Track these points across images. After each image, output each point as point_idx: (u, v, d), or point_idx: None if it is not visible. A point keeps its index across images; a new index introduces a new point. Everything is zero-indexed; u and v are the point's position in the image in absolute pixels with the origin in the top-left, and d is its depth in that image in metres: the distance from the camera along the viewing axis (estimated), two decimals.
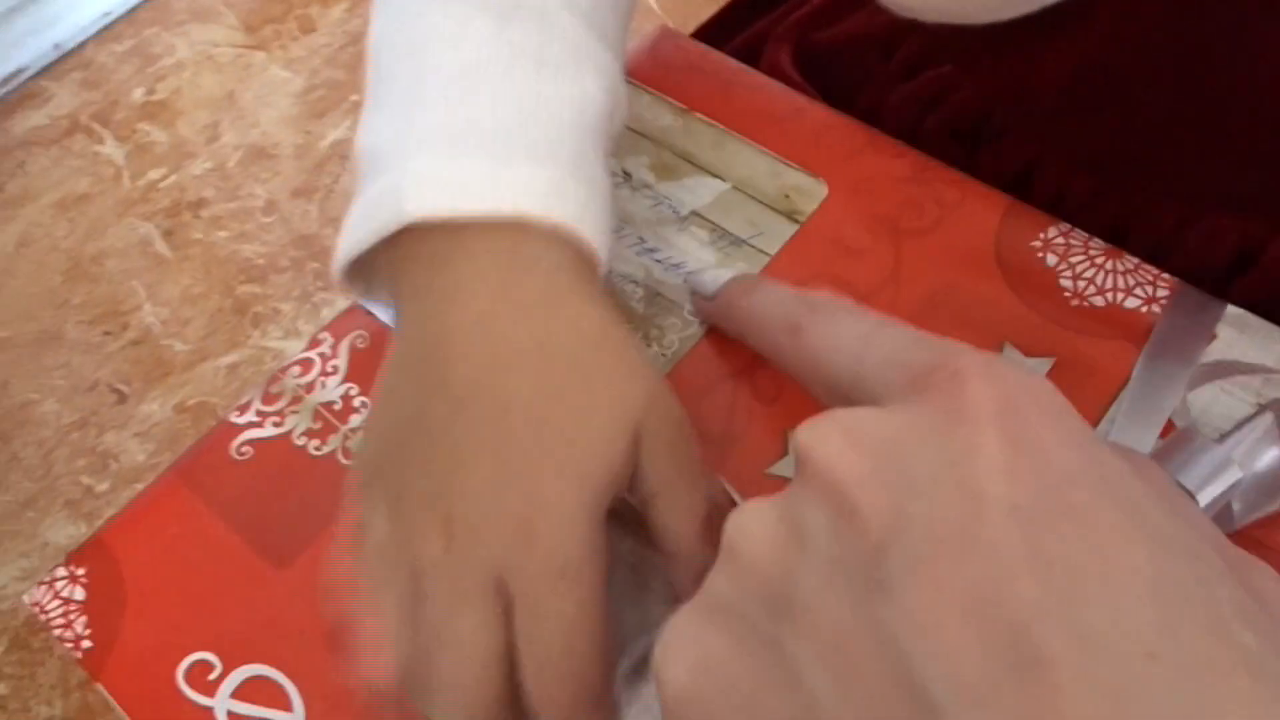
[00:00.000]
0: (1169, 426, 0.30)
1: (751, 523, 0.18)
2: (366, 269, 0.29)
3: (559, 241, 0.27)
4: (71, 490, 0.58)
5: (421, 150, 0.27)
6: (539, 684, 0.23)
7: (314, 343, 0.37)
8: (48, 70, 0.95)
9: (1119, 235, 0.37)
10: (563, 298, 0.26)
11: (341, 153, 0.80)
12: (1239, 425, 0.28)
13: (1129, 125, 0.34)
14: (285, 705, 0.29)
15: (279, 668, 0.30)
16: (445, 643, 0.23)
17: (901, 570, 0.15)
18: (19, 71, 0.93)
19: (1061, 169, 0.37)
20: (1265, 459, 0.27)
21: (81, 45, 0.97)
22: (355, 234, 0.27)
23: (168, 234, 0.83)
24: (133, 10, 0.98)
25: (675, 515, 0.25)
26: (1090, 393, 0.31)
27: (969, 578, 0.15)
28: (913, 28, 0.39)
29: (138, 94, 0.94)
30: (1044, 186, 0.38)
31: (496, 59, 0.28)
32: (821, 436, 0.18)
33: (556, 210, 0.26)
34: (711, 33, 0.49)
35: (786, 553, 0.17)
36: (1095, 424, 0.31)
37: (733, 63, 0.42)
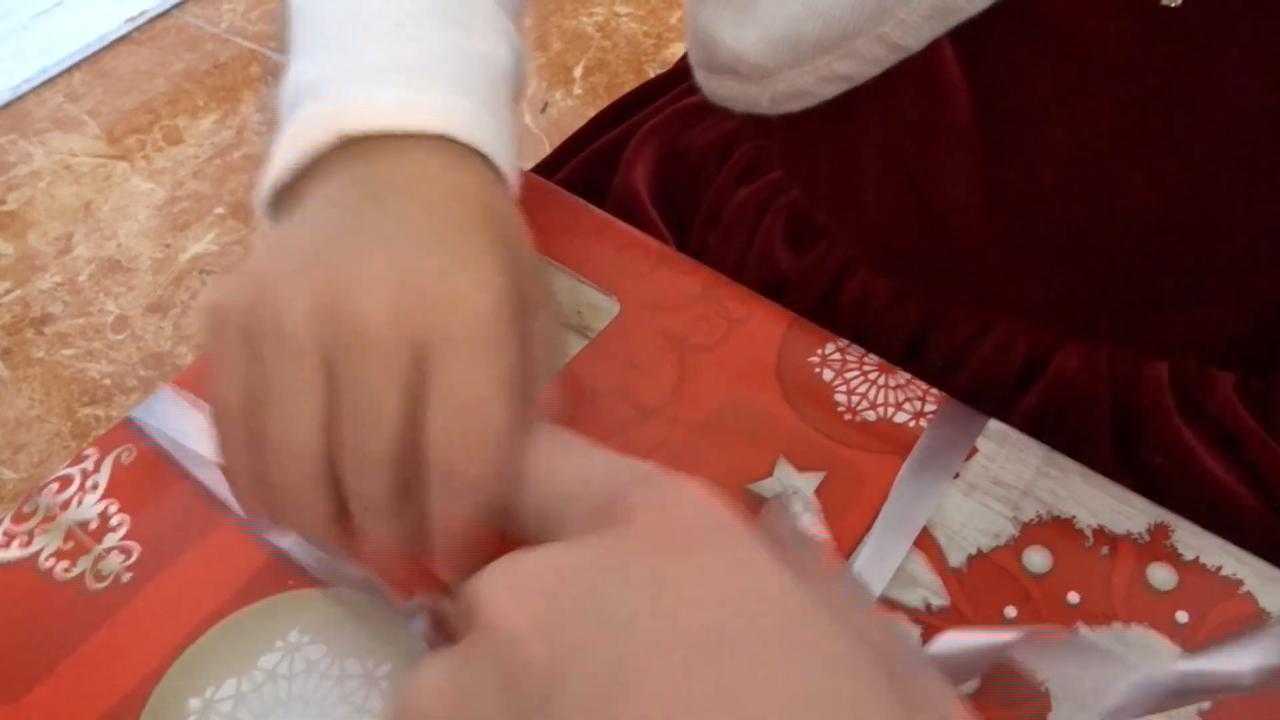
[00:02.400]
0: (924, 534, 0.31)
1: (426, 688, 0.18)
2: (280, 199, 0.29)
3: (474, 159, 0.28)
4: None
5: (355, 81, 0.28)
6: (447, 440, 0.22)
7: (78, 458, 0.36)
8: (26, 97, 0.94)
9: (919, 340, 0.39)
10: (479, 189, 0.28)
11: (202, 266, 0.76)
12: None
13: (930, 229, 0.36)
14: None
15: None
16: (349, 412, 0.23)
17: None
18: None
19: (869, 271, 0.39)
20: None
21: None
22: (288, 155, 0.27)
23: (5, 353, 0.78)
24: None
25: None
26: (859, 504, 0.32)
27: None
28: (748, 134, 0.41)
29: None
30: (852, 289, 0.40)
31: (421, 16, 0.30)
32: (490, 589, 0.18)
33: (476, 135, 0.28)
34: (574, 144, 0.51)
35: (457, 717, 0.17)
36: (862, 533, 0.31)
37: (545, 182, 0.43)
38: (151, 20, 1.00)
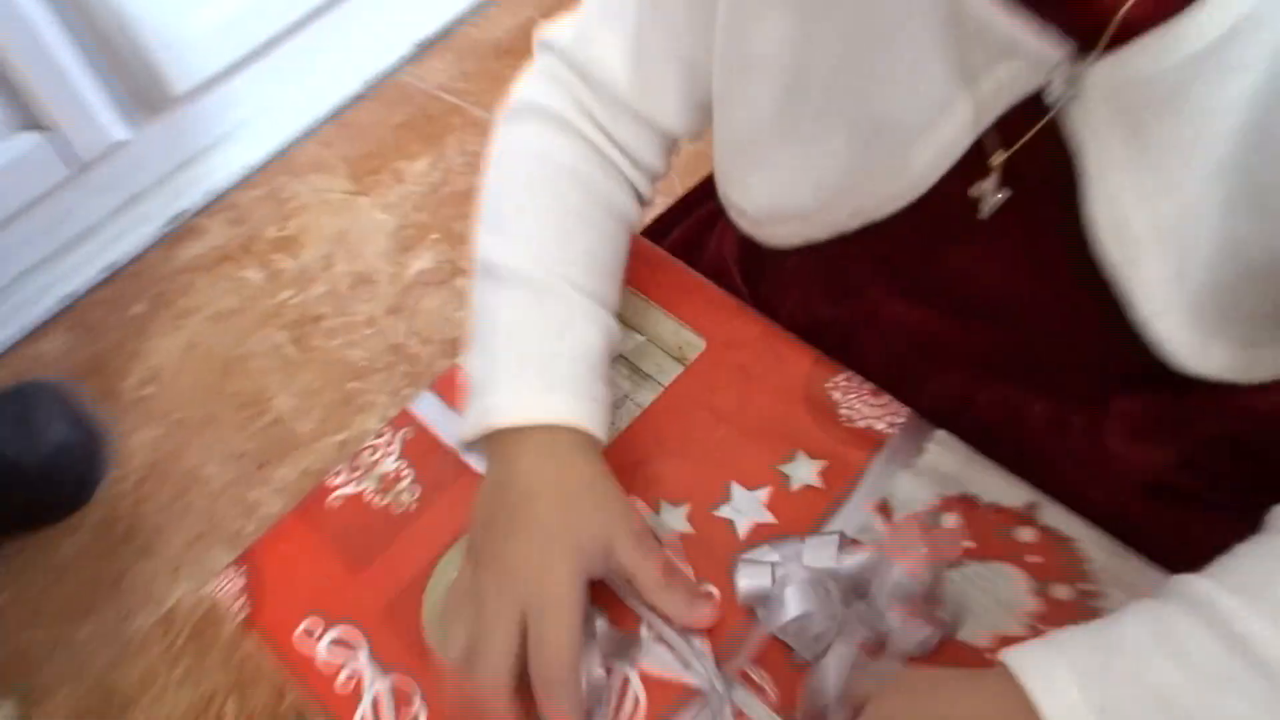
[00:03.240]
0: (885, 503, 0.49)
1: None
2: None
3: (575, 432, 0.47)
4: (228, 530, 0.80)
5: (498, 387, 0.48)
6: (536, 669, 0.41)
7: (379, 434, 0.58)
8: (203, 211, 1.19)
9: (899, 375, 0.55)
10: (575, 460, 0.47)
11: (423, 280, 0.98)
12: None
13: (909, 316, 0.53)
14: (353, 647, 0.49)
15: (353, 624, 0.50)
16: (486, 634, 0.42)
17: None
18: (182, 213, 1.17)
19: (877, 329, 0.56)
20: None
21: (227, 192, 1.20)
22: (470, 429, 0.48)
23: (295, 341, 1.03)
24: (266, 164, 1.21)
25: (645, 583, 0.45)
26: (844, 481, 0.48)
27: None
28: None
29: (271, 230, 1.16)
30: (869, 337, 0.57)
31: (536, 327, 0.49)
32: None
33: (575, 418, 0.47)
34: (681, 208, 0.69)
35: None
36: (844, 500, 0.49)
37: (660, 251, 0.62)
38: (379, 80, 1.25)
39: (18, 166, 1.03)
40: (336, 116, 1.24)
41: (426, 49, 1.29)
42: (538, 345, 0.49)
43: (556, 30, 0.55)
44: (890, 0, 0.41)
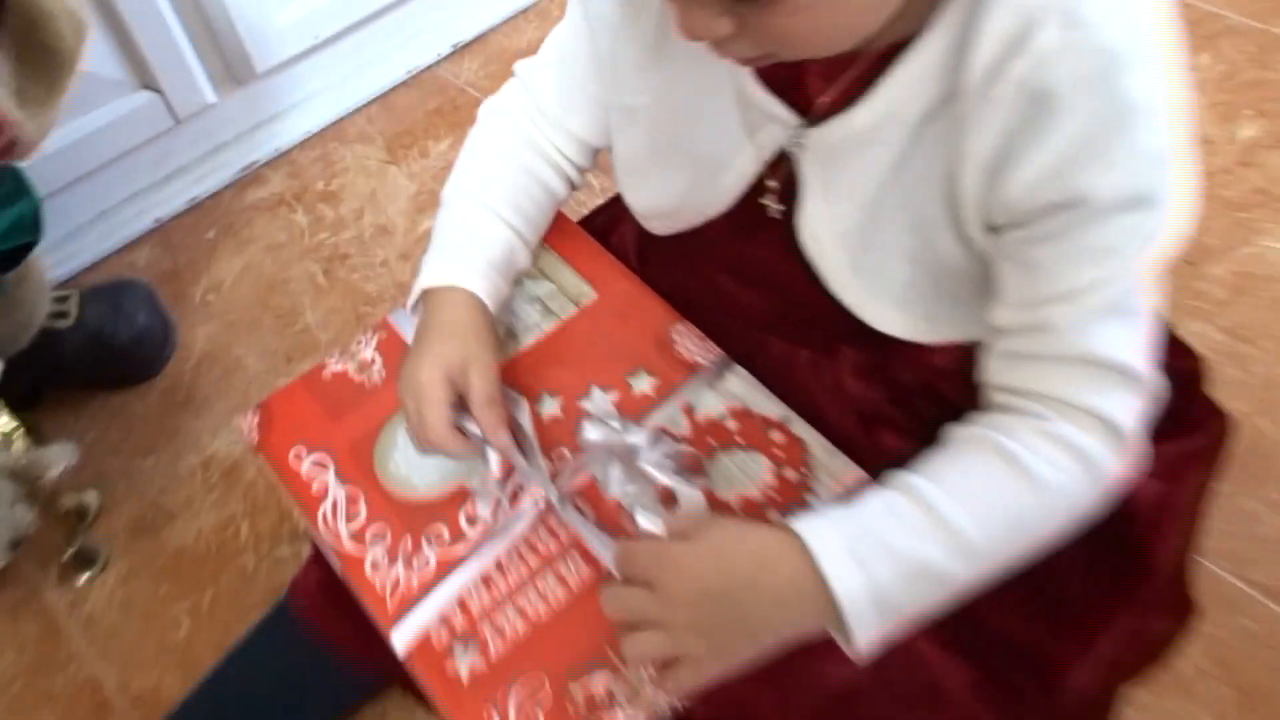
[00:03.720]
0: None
1: None
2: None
3: (468, 294, 0.66)
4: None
5: (427, 267, 0.68)
6: (417, 437, 0.66)
7: (364, 331, 0.81)
8: (269, 164, 1.36)
9: (724, 328, 0.74)
10: (460, 310, 0.66)
11: (429, 236, 1.21)
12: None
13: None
14: (325, 467, 0.73)
15: (326, 452, 0.73)
16: None
17: None
18: (252, 164, 1.35)
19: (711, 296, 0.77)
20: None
21: (289, 150, 1.38)
22: (414, 292, 0.69)
23: (325, 272, 1.20)
24: (322, 131, 1.39)
25: (476, 398, 0.64)
26: (667, 390, 0.68)
27: None
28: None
29: (319, 185, 1.33)
30: (705, 297, 0.77)
31: (459, 230, 0.70)
32: None
33: (467, 284, 0.66)
34: (609, 204, 0.91)
35: None
36: (664, 403, 0.71)
37: (576, 226, 0.79)
38: (419, 72, 1.43)
39: (134, 116, 1.23)
40: (382, 99, 1.43)
41: (461, 50, 1.47)
42: (456, 240, 0.71)
43: (524, 62, 0.77)
44: (703, 85, 0.61)
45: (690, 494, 0.64)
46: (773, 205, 0.63)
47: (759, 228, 0.64)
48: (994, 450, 0.54)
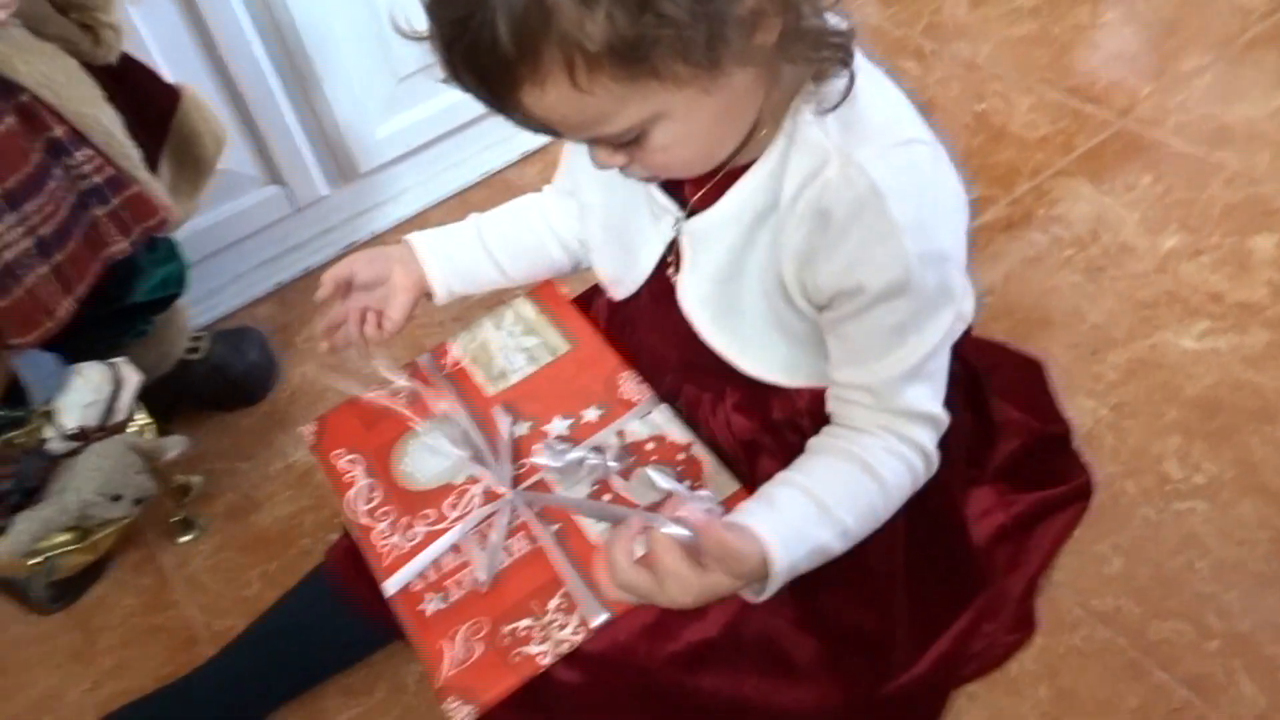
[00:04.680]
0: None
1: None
2: None
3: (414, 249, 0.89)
4: None
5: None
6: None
7: (400, 370, 1.06)
8: (367, 243, 1.57)
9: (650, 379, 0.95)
10: (405, 252, 0.90)
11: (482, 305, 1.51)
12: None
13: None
14: (357, 464, 0.97)
15: (359, 454, 0.97)
16: None
17: None
18: (354, 242, 1.53)
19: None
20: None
21: (383, 234, 1.58)
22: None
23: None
24: (411, 218, 1.58)
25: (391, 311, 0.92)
26: (610, 421, 0.87)
27: None
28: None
29: None
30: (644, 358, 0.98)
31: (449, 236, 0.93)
32: None
33: (422, 244, 0.90)
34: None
35: None
36: (606, 428, 0.92)
37: (563, 294, 0.99)
38: (492, 175, 1.65)
39: (264, 204, 1.48)
40: (460, 195, 1.65)
41: (527, 158, 1.69)
42: (443, 237, 0.92)
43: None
44: (629, 191, 0.80)
45: (693, 497, 0.80)
46: (673, 276, 0.78)
47: (667, 294, 0.79)
48: (853, 459, 0.70)
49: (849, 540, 0.70)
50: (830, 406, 0.76)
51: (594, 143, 0.62)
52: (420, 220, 1.66)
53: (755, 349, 0.78)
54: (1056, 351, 1.20)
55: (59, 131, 1.02)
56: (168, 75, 1.23)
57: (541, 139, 1.62)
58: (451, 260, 0.92)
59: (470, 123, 1.61)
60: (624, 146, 0.61)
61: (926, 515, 0.80)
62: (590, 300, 1.03)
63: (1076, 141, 1.48)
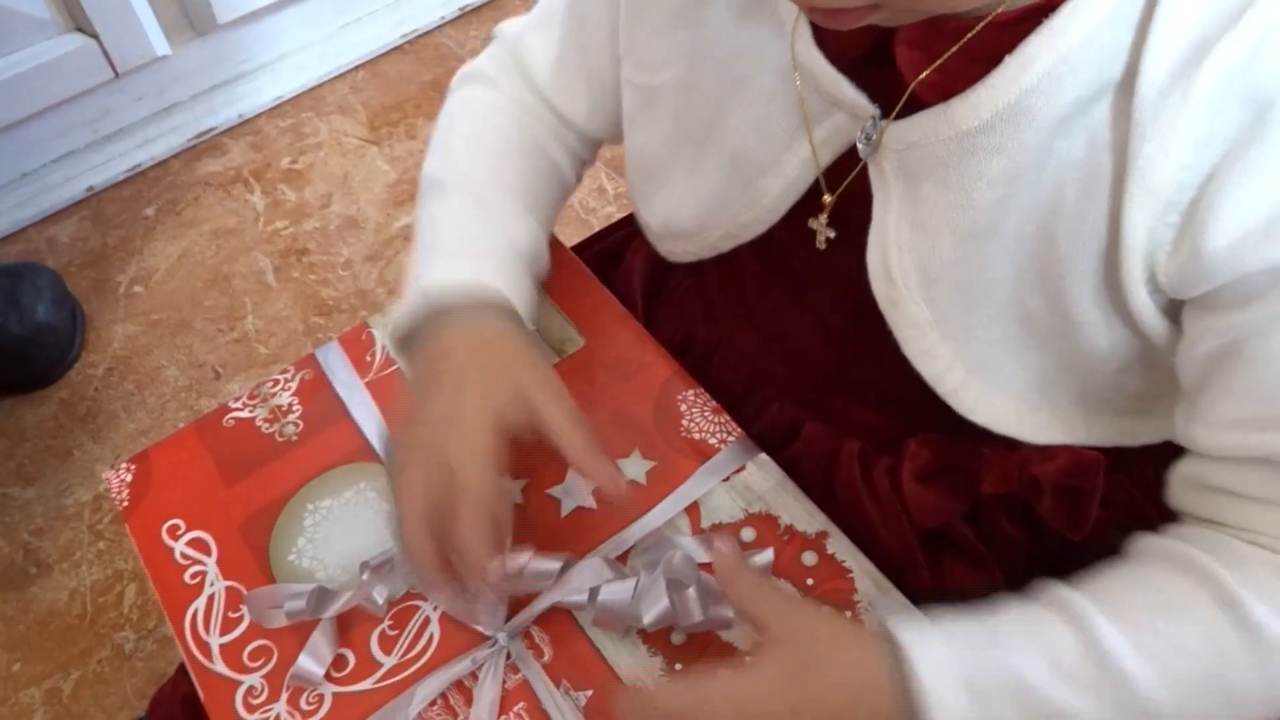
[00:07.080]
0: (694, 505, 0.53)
1: None
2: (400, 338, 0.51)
3: (500, 309, 0.50)
4: (171, 430, 0.86)
5: (435, 266, 0.51)
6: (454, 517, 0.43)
7: (285, 370, 0.65)
8: (229, 131, 1.27)
9: (741, 398, 0.57)
10: (495, 324, 0.49)
11: (406, 235, 1.04)
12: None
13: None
14: (206, 550, 0.56)
15: (207, 532, 0.57)
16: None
17: None
18: (210, 130, 1.27)
19: (735, 349, 0.60)
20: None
21: (255, 117, 1.29)
22: (403, 309, 0.50)
23: (277, 269, 1.10)
24: (297, 96, 1.29)
25: (572, 443, 0.46)
26: (666, 483, 0.53)
27: None
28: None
29: (284, 161, 1.23)
30: (721, 357, 0.60)
31: (477, 221, 0.53)
32: None
33: (500, 283, 0.50)
34: (612, 228, 0.74)
35: None
36: (661, 499, 0.54)
37: (567, 252, 0.64)
38: (417, 36, 1.32)
39: (62, 63, 1.14)
40: (370, 64, 1.32)
41: (469, 14, 1.35)
42: (475, 233, 0.54)
43: (509, 24, 0.62)
44: (747, 54, 0.47)
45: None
46: (824, 231, 0.48)
47: (801, 263, 0.51)
48: (1199, 577, 0.41)
49: None
50: (1182, 498, 0.46)
51: None
52: (311, 101, 1.30)
53: (997, 371, 0.47)
54: None
55: None
56: None
57: None
58: (522, 287, 0.55)
59: None
60: None
61: None
62: (610, 258, 0.68)
63: None
